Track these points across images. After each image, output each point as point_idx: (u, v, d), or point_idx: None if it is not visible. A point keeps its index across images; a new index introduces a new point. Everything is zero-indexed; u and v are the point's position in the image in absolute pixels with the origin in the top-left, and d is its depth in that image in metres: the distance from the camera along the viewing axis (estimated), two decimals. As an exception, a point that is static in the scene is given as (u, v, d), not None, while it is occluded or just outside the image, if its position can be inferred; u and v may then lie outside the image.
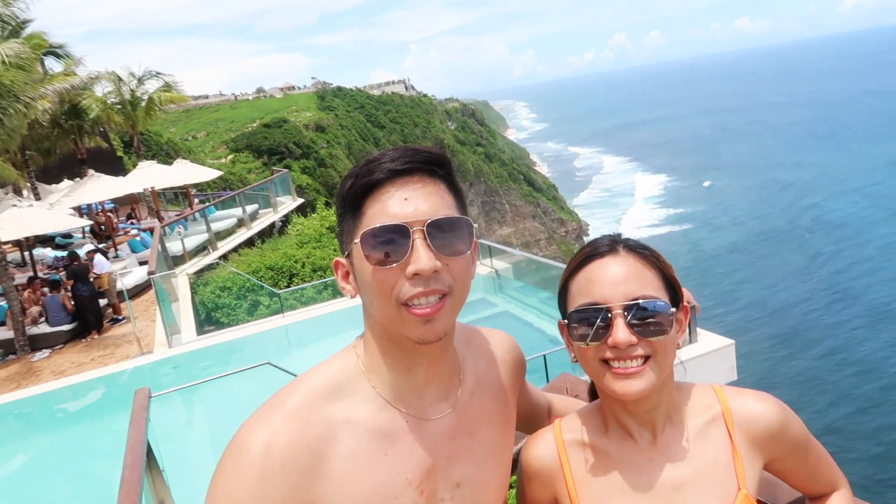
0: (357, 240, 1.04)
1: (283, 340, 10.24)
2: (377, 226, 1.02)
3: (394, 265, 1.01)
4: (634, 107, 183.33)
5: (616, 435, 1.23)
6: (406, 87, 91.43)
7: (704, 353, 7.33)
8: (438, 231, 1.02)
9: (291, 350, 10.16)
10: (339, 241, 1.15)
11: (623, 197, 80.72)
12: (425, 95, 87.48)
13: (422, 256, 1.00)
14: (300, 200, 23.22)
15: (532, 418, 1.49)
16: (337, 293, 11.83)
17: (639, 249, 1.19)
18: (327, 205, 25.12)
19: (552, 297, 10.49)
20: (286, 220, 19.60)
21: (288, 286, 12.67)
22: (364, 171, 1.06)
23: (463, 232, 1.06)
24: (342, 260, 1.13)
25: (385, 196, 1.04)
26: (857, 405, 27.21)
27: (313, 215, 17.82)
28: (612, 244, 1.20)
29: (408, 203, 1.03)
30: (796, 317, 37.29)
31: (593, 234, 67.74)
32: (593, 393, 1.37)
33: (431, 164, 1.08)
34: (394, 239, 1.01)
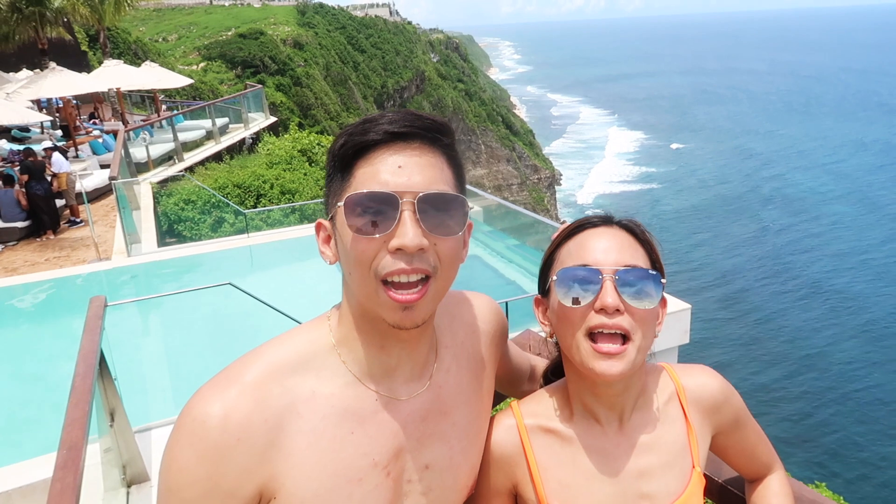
0: (341, 202, 0.96)
1: (247, 261, 10.10)
2: (364, 191, 0.94)
3: (377, 236, 0.94)
4: (618, 58, 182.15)
5: (582, 419, 1.20)
6: (391, 12, 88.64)
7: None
8: (430, 206, 0.95)
9: (254, 271, 10.05)
10: (324, 201, 1.07)
11: (597, 150, 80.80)
12: (409, 23, 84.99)
13: (408, 231, 0.93)
14: (273, 119, 22.64)
15: (514, 382, 1.45)
16: (304, 218, 11.66)
17: (632, 227, 1.18)
18: (301, 126, 24.55)
19: (521, 244, 10.62)
20: (257, 137, 19.12)
21: (254, 206, 12.46)
22: (358, 130, 0.98)
23: (457, 211, 0.99)
24: (325, 222, 1.06)
25: (378, 160, 0.97)
26: (785, 370, 28.85)
27: (285, 136, 17.43)
28: (606, 217, 1.19)
29: (401, 171, 0.96)
30: (742, 283, 38.99)
31: (566, 183, 68.19)
32: (554, 373, 1.34)
33: (433, 132, 1.00)
34: (381, 209, 0.94)
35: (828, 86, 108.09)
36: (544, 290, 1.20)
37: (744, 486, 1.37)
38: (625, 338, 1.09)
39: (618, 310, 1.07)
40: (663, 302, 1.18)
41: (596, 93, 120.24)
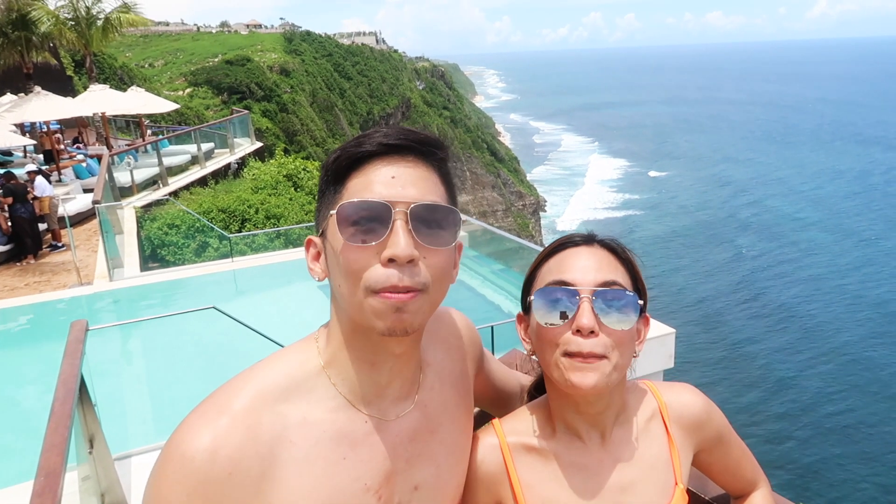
0: (334, 211, 0.96)
1: (231, 285, 10.03)
2: (357, 199, 0.94)
3: (370, 245, 0.93)
4: (601, 88, 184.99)
5: (564, 436, 1.20)
6: (377, 40, 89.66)
7: (646, 339, 7.50)
8: (422, 217, 0.95)
9: (238, 296, 9.97)
10: (315, 217, 1.07)
11: (580, 176, 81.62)
12: (396, 51, 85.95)
13: (400, 241, 0.92)
14: (259, 144, 22.66)
15: (502, 401, 1.43)
16: (289, 243, 11.63)
17: (613, 245, 1.18)
18: (286, 152, 24.60)
19: (505, 269, 10.64)
20: (242, 162, 19.11)
21: (239, 231, 12.40)
22: (353, 144, 0.99)
23: (449, 223, 0.99)
24: (315, 239, 1.05)
25: (371, 171, 0.97)
26: (765, 392, 29.17)
27: (271, 161, 17.47)
28: (588, 236, 1.20)
29: (395, 182, 0.96)
30: (722, 306, 39.42)
31: (550, 210, 68.65)
32: (536, 389, 1.34)
33: (427, 146, 1.00)
34: (373, 217, 0.93)
35: (805, 115, 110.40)
36: (525, 307, 1.21)
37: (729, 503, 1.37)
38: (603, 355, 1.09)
39: (592, 331, 1.07)
40: (645, 320, 1.19)
41: (579, 121, 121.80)
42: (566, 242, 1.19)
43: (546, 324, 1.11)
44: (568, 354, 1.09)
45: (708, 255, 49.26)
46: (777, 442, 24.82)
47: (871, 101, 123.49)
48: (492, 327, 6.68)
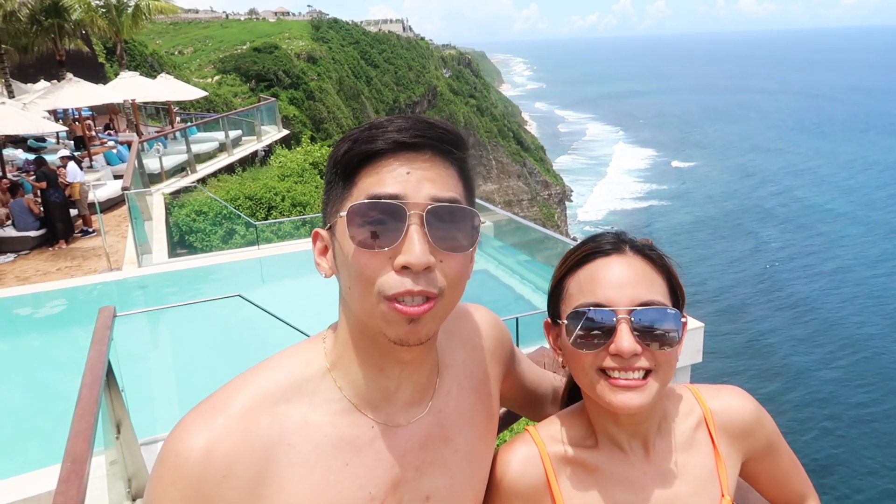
0: (343, 213, 0.89)
1: (257, 273, 10.11)
2: (369, 201, 0.88)
3: (382, 250, 0.87)
4: (629, 76, 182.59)
5: (606, 448, 1.13)
6: (404, 28, 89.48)
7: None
8: (439, 220, 0.89)
9: (264, 284, 10.04)
10: (322, 210, 1.00)
11: (606, 166, 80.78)
12: (422, 39, 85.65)
13: (415, 247, 0.86)
14: (285, 132, 22.76)
15: (534, 404, 1.37)
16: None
17: (646, 251, 1.08)
18: (313, 139, 24.68)
19: (531, 260, 10.57)
20: (269, 150, 19.21)
21: (266, 218, 12.49)
22: (364, 137, 0.91)
23: (467, 225, 0.92)
24: (322, 232, 0.98)
25: (384, 168, 0.90)
26: (783, 383, 28.92)
27: (298, 149, 17.52)
28: (617, 242, 1.09)
29: (409, 180, 0.89)
30: (743, 297, 39.05)
31: (576, 199, 68.15)
32: (570, 396, 1.27)
33: (445, 143, 0.93)
34: (386, 220, 0.87)
35: (836, 104, 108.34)
36: (553, 316, 1.13)
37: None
38: (646, 372, 1.02)
39: (635, 354, 1.00)
40: (683, 324, 1.11)
41: (605, 109, 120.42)
42: (595, 251, 1.09)
43: (582, 349, 1.04)
44: (607, 376, 1.03)
45: (733, 245, 48.73)
46: (799, 433, 24.46)
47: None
48: (517, 319, 6.64)
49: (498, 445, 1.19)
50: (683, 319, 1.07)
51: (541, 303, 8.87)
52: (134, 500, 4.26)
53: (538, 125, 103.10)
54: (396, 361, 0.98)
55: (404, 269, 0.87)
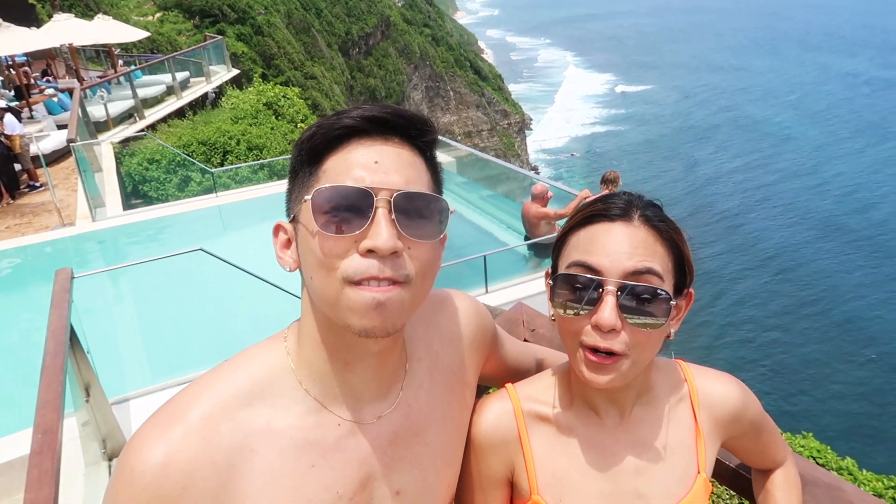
0: (309, 196, 0.87)
1: (217, 221, 9.89)
2: (336, 185, 0.85)
3: (347, 235, 0.85)
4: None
5: (581, 410, 1.13)
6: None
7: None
8: (407, 207, 0.87)
9: (225, 232, 9.86)
10: (287, 199, 0.97)
11: (564, 93, 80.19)
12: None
13: (382, 231, 0.84)
14: (235, 71, 21.89)
15: (517, 378, 1.33)
16: (273, 175, 11.42)
17: (655, 221, 1.03)
18: (264, 77, 23.86)
19: (494, 195, 10.55)
20: (220, 91, 18.50)
21: (222, 164, 12.13)
22: (331, 122, 0.89)
23: (435, 215, 0.91)
24: (286, 224, 0.95)
25: (352, 154, 0.88)
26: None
27: (249, 88, 16.95)
28: (626, 208, 1.04)
29: (377, 167, 0.87)
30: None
31: (535, 128, 67.85)
32: None
33: (413, 130, 0.91)
34: (353, 205, 0.85)
35: (791, 22, 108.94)
36: (553, 270, 1.11)
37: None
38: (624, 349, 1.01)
39: (614, 329, 0.98)
40: (689, 297, 1.09)
41: (562, 34, 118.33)
42: (600, 213, 1.04)
43: (565, 313, 1.03)
44: (584, 346, 1.01)
45: (673, 164, 50.03)
46: (776, 371, 25.50)
47: (857, 4, 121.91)
48: (484, 257, 6.66)
49: None
50: (676, 301, 1.03)
51: (508, 239, 8.94)
52: (110, 459, 4.26)
53: (495, 53, 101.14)
54: (364, 353, 0.95)
55: (369, 253, 0.84)
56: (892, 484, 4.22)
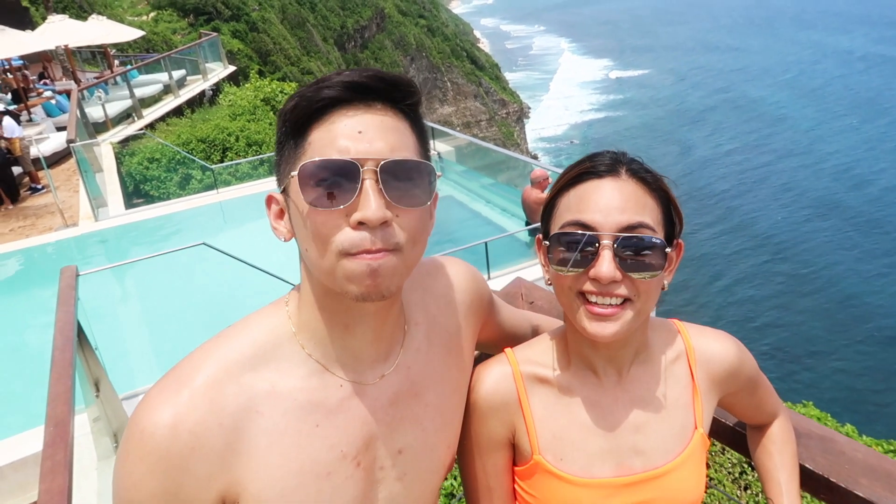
0: (295, 172, 0.88)
1: (218, 217, 9.93)
2: (321, 159, 0.86)
3: (337, 208, 0.86)
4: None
5: (579, 370, 1.16)
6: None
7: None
8: (394, 175, 0.88)
9: (227, 227, 9.90)
10: (275, 171, 0.98)
11: (560, 79, 79.85)
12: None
13: (371, 202, 0.85)
14: (232, 68, 21.86)
15: (513, 345, 1.36)
16: (273, 170, 11.45)
17: (642, 173, 1.06)
18: (261, 73, 23.81)
19: (494, 183, 10.55)
20: (217, 88, 18.50)
21: (221, 161, 12.16)
22: (313, 92, 0.89)
23: (423, 180, 0.92)
24: (277, 196, 0.97)
25: (335, 125, 0.88)
26: (760, 286, 30.36)
27: (246, 85, 16.92)
28: (613, 164, 1.06)
29: (361, 137, 0.87)
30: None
31: (534, 116, 67.65)
32: None
33: (396, 93, 0.91)
34: (340, 178, 0.86)
35: (787, 1, 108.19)
36: (545, 234, 1.13)
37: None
38: (624, 300, 1.03)
39: (614, 280, 1.00)
40: (679, 247, 1.11)
41: (556, 21, 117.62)
42: (588, 171, 1.06)
43: (564, 271, 1.04)
44: (586, 301, 1.03)
45: (669, 148, 50.10)
46: (778, 338, 25.69)
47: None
48: (485, 244, 6.68)
49: None
50: (671, 249, 1.05)
51: (509, 225, 8.96)
52: (122, 453, 4.31)
53: (492, 42, 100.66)
54: (363, 316, 0.98)
55: (360, 225, 0.86)
56: (892, 448, 4.24)
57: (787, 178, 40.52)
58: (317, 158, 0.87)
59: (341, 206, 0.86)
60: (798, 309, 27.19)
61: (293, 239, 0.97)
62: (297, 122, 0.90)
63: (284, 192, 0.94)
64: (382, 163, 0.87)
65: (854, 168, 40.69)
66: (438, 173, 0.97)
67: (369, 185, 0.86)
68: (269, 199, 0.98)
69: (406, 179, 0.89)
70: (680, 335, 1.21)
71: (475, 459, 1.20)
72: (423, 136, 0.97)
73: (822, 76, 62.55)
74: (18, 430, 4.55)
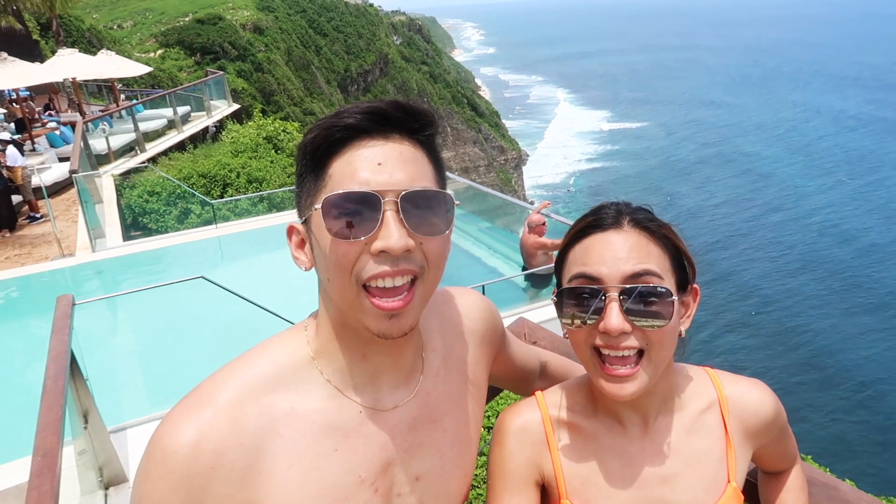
0: (318, 205, 0.89)
1: (216, 253, 9.92)
2: (343, 192, 0.87)
3: (359, 239, 0.87)
4: (579, 37, 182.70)
5: (605, 418, 1.15)
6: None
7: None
8: (414, 205, 0.89)
9: (225, 263, 9.87)
10: (296, 202, 1.00)
11: (559, 128, 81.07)
12: (371, 5, 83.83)
13: (392, 232, 0.87)
14: (236, 106, 22.17)
15: (522, 380, 1.39)
16: (273, 207, 11.49)
17: (645, 223, 1.06)
18: (264, 112, 24.13)
19: (492, 227, 10.61)
20: (220, 125, 18.72)
21: (221, 196, 12.21)
22: (332, 123, 0.91)
23: (441, 208, 0.93)
24: (298, 226, 0.98)
25: (355, 157, 0.90)
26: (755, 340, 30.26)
27: (250, 123, 17.11)
28: (616, 216, 1.07)
29: (381, 168, 0.89)
30: (724, 254, 41.00)
31: (531, 164, 68.46)
32: None
33: (414, 123, 0.93)
34: (361, 209, 0.88)
35: (780, 58, 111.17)
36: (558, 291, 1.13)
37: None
38: (640, 352, 1.02)
39: (623, 332, 1.00)
40: (695, 292, 1.10)
41: (558, 72, 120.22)
42: (592, 224, 1.08)
43: (573, 325, 1.05)
44: (601, 357, 1.03)
45: (687, 194, 51.00)
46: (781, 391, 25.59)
47: (846, 42, 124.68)
48: (482, 287, 6.68)
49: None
50: (679, 297, 1.04)
51: (505, 269, 8.98)
52: (107, 488, 4.22)
53: (492, 90, 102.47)
54: (379, 348, 0.99)
55: (382, 254, 0.87)
56: (893, 506, 4.19)
57: (775, 232, 41.11)
58: (339, 191, 0.88)
59: (363, 238, 0.88)
60: (783, 364, 27.15)
61: (303, 272, 0.98)
62: (317, 153, 0.92)
63: (306, 222, 0.96)
64: (403, 193, 0.89)
65: (842, 223, 41.17)
66: (457, 202, 0.99)
67: (390, 216, 0.88)
68: (291, 230, 0.99)
69: (426, 209, 0.91)
70: (712, 383, 1.18)
71: (504, 499, 1.17)
72: (439, 166, 0.99)
73: (814, 133, 63.97)
74: (3, 460, 4.45)
